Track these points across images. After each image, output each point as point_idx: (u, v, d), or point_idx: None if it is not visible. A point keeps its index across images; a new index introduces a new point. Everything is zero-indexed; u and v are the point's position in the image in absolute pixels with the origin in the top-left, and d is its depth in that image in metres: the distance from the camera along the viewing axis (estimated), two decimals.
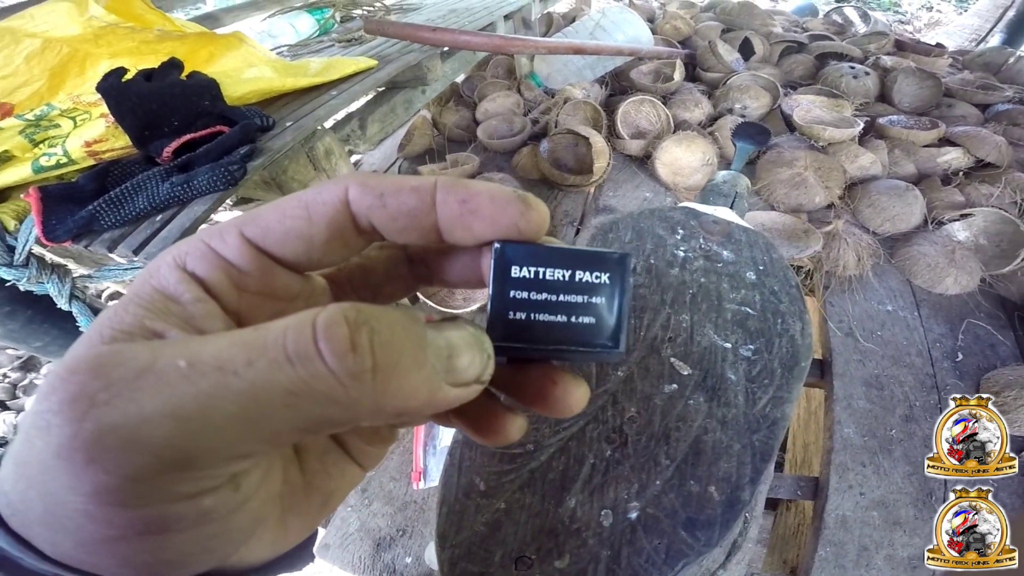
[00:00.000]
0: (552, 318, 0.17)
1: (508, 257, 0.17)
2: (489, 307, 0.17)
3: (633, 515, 0.31)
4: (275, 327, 0.12)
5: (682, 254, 0.44)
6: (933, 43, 2.29)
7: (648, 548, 0.30)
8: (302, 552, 0.19)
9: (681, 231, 0.46)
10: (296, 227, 0.16)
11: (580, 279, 0.17)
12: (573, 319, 0.17)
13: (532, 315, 0.17)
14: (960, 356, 1.09)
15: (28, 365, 1.85)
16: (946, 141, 1.51)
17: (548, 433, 0.34)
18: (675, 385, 0.35)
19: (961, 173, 1.43)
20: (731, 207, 0.60)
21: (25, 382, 1.79)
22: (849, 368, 1.05)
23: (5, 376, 1.80)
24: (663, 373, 0.36)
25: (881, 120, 1.58)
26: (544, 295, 0.17)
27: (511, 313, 0.17)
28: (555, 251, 0.17)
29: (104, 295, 1.91)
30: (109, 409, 0.11)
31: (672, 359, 0.36)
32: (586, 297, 0.17)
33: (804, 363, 0.37)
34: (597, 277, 0.17)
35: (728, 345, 0.37)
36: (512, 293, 0.17)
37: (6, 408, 1.72)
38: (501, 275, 0.17)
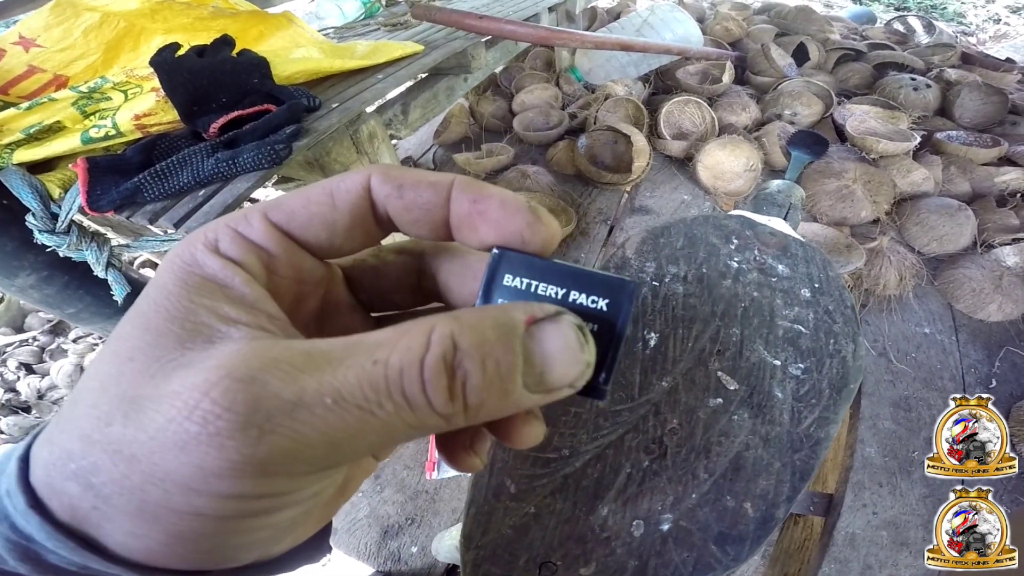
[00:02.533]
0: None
1: (503, 264, 0.16)
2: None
3: (665, 527, 0.30)
4: (393, 365, 0.13)
5: (736, 265, 0.43)
6: (1002, 57, 2.19)
7: (676, 560, 0.29)
8: (320, 543, 0.19)
9: (736, 241, 0.45)
10: (320, 212, 0.16)
11: (574, 300, 0.16)
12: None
13: None
14: (994, 383, 1.06)
15: (57, 329, 1.89)
16: (1007, 160, 1.45)
17: (585, 439, 0.34)
18: (720, 399, 0.35)
19: (1019, 195, 1.37)
20: (785, 218, 0.58)
21: (53, 346, 1.81)
22: (879, 388, 1.03)
23: (35, 339, 1.83)
24: (709, 386, 0.35)
25: (939, 135, 1.52)
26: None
27: None
28: (552, 266, 0.16)
29: (136, 263, 1.96)
30: (277, 437, 0.12)
31: (719, 373, 0.36)
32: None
33: (853, 384, 0.36)
34: (594, 302, 0.16)
35: (778, 363, 0.36)
36: (499, 300, 0.16)
37: (32, 372, 1.75)
38: (492, 281, 0.16)
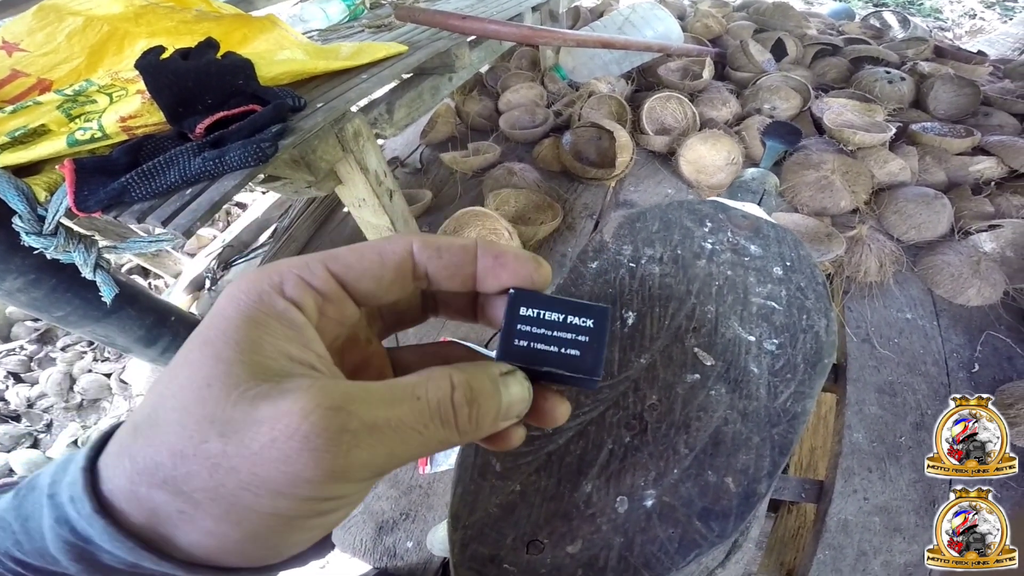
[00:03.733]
0: (547, 347, 0.22)
1: (520, 299, 0.22)
2: (501, 334, 0.22)
3: (649, 503, 0.31)
4: (432, 400, 0.18)
5: (709, 246, 0.44)
6: (975, 51, 2.24)
7: (662, 537, 0.30)
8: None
9: (709, 224, 0.46)
10: (371, 268, 0.20)
11: (571, 321, 0.22)
12: (562, 350, 0.22)
13: (532, 344, 0.22)
14: (976, 367, 1.07)
15: (45, 338, 1.86)
16: (980, 150, 1.48)
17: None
18: (697, 375, 0.36)
19: (993, 183, 1.40)
20: (759, 204, 0.60)
21: (41, 355, 1.80)
22: (863, 374, 1.05)
23: (22, 348, 1.81)
24: (686, 363, 0.36)
25: (914, 126, 1.55)
26: (543, 330, 0.22)
27: (516, 340, 0.22)
28: (555, 299, 0.23)
29: (124, 268, 1.95)
30: (358, 451, 0.16)
31: (696, 349, 0.37)
32: (574, 335, 0.22)
33: (827, 360, 0.37)
34: (584, 321, 0.22)
35: (752, 338, 0.37)
36: (519, 326, 0.22)
37: (21, 381, 1.73)
38: (513, 312, 0.22)
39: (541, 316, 0.22)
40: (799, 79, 1.69)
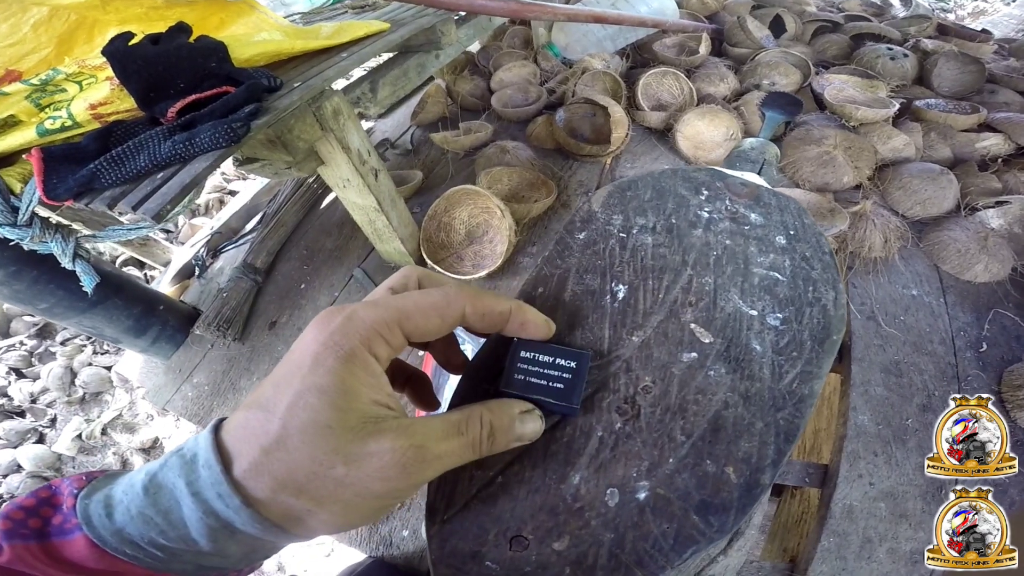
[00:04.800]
0: (539, 381, 0.29)
1: (521, 345, 0.30)
2: (506, 370, 0.29)
3: (642, 495, 0.28)
4: (470, 436, 0.26)
5: (706, 215, 0.40)
6: (979, 29, 2.18)
7: (656, 532, 0.27)
8: None
9: (706, 192, 0.43)
10: (434, 328, 0.27)
11: (558, 362, 0.30)
12: (550, 384, 0.29)
13: (528, 378, 0.29)
14: (984, 346, 1.04)
15: (44, 332, 1.85)
16: (986, 127, 1.44)
17: None
18: (695, 354, 0.32)
19: (1000, 160, 1.35)
20: (759, 173, 0.56)
21: (41, 349, 1.79)
22: (869, 353, 1.01)
23: (22, 343, 1.80)
24: (682, 340, 0.33)
25: (918, 103, 1.50)
26: (536, 368, 0.29)
27: (516, 375, 0.29)
28: (548, 345, 0.30)
29: (118, 261, 1.92)
30: (429, 471, 0.25)
31: (693, 325, 0.33)
32: (560, 373, 0.29)
33: (836, 336, 0.34)
34: (568, 363, 0.29)
35: (754, 313, 0.34)
36: (519, 364, 0.29)
37: (22, 376, 1.72)
38: (515, 354, 0.30)
39: (536, 358, 0.30)
40: (799, 55, 1.64)
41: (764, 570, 0.88)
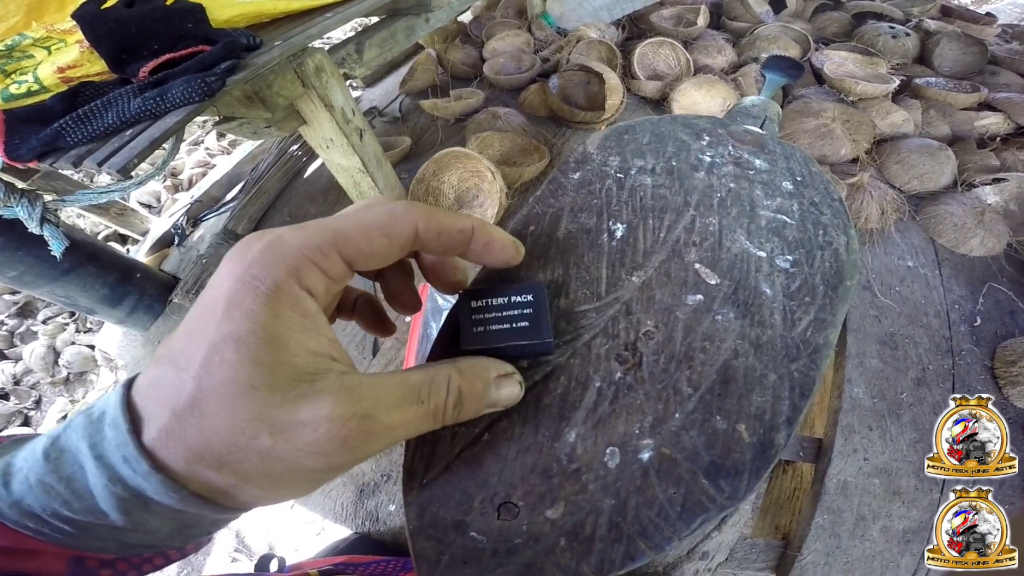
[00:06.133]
0: (500, 326, 0.26)
1: (468, 296, 0.27)
2: (461, 329, 0.26)
3: (645, 455, 0.25)
4: (431, 404, 0.22)
5: (708, 159, 0.37)
6: (983, 12, 2.17)
7: (661, 498, 0.24)
8: None
9: (707, 137, 0.40)
10: (380, 249, 0.22)
11: (514, 300, 0.26)
12: (513, 324, 0.26)
13: (487, 327, 0.26)
14: (978, 320, 1.04)
15: (25, 311, 1.80)
16: (986, 106, 1.43)
17: None
18: (700, 296, 0.29)
19: (999, 139, 1.34)
20: (761, 127, 0.53)
21: (22, 329, 1.74)
22: (864, 324, 1.00)
23: (2, 323, 1.75)
24: (686, 281, 0.30)
25: (918, 80, 1.48)
26: (493, 314, 0.26)
27: (473, 328, 0.26)
28: (495, 287, 0.27)
29: (100, 235, 1.86)
30: (378, 443, 0.20)
31: (697, 265, 0.30)
32: (520, 311, 0.26)
33: (849, 282, 0.31)
34: (525, 298, 0.26)
35: (763, 254, 0.31)
36: (473, 316, 0.26)
37: (4, 357, 1.67)
38: (465, 308, 0.26)
39: (489, 303, 0.26)
40: (799, 30, 1.61)
41: (757, 547, 0.87)
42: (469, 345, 0.25)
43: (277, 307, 0.19)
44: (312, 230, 0.20)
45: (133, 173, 0.70)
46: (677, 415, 0.26)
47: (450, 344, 0.27)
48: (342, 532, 0.97)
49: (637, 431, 0.26)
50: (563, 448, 0.25)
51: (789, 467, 1.04)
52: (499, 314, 0.26)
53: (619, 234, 0.32)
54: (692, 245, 0.31)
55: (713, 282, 0.30)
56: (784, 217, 0.34)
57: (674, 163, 0.37)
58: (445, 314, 1.02)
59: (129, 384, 0.20)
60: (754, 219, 0.33)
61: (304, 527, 1.27)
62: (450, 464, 0.25)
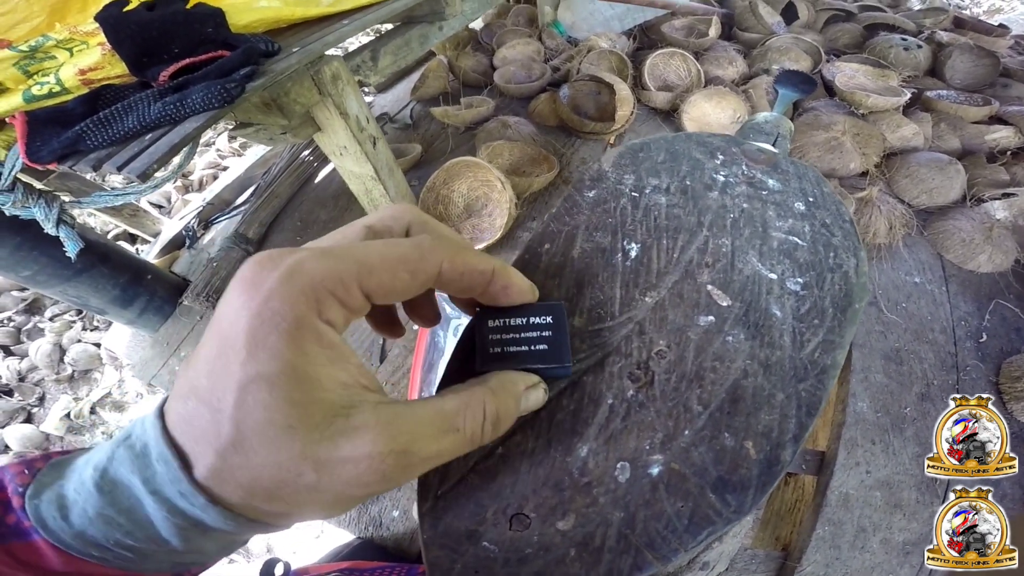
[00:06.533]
0: (518, 348, 0.25)
1: (485, 315, 0.26)
2: (477, 348, 0.25)
3: (655, 470, 0.26)
4: (467, 431, 0.22)
5: (722, 178, 0.38)
6: (995, 24, 2.16)
7: (669, 511, 0.25)
8: None
9: (721, 156, 0.41)
10: (403, 286, 0.21)
11: (533, 322, 0.26)
12: (532, 347, 0.25)
13: (504, 348, 0.25)
14: (984, 337, 1.04)
15: (32, 308, 1.81)
16: (997, 120, 1.42)
17: None
18: (712, 317, 0.30)
19: (1009, 153, 1.34)
20: (773, 145, 0.54)
21: (29, 326, 1.74)
22: (870, 339, 1.00)
23: (10, 320, 1.75)
24: (699, 302, 0.31)
25: (929, 93, 1.48)
26: (511, 335, 0.25)
27: (491, 349, 0.25)
28: (514, 307, 0.26)
29: (110, 234, 1.88)
30: (415, 473, 0.21)
31: (709, 287, 0.31)
32: (539, 332, 0.26)
33: (858, 304, 0.32)
34: (544, 319, 0.26)
35: (774, 276, 0.32)
36: (490, 337, 0.25)
37: (10, 353, 1.69)
38: (482, 327, 0.26)
39: (507, 323, 0.26)
40: (810, 42, 1.61)
41: (757, 557, 0.87)
42: (484, 366, 0.25)
43: (302, 343, 0.18)
44: (335, 260, 0.20)
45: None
46: (687, 432, 0.27)
47: (465, 361, 0.27)
48: (340, 535, 0.97)
49: (647, 447, 0.26)
50: (575, 462, 0.26)
51: (791, 479, 1.04)
52: (517, 335, 0.25)
53: (633, 254, 0.33)
54: (705, 266, 0.32)
55: (725, 304, 0.31)
56: (796, 239, 0.34)
57: (688, 182, 0.38)
58: (452, 324, 1.03)
59: (161, 412, 0.20)
60: (766, 240, 0.34)
61: (302, 530, 1.28)
62: (464, 477, 0.26)
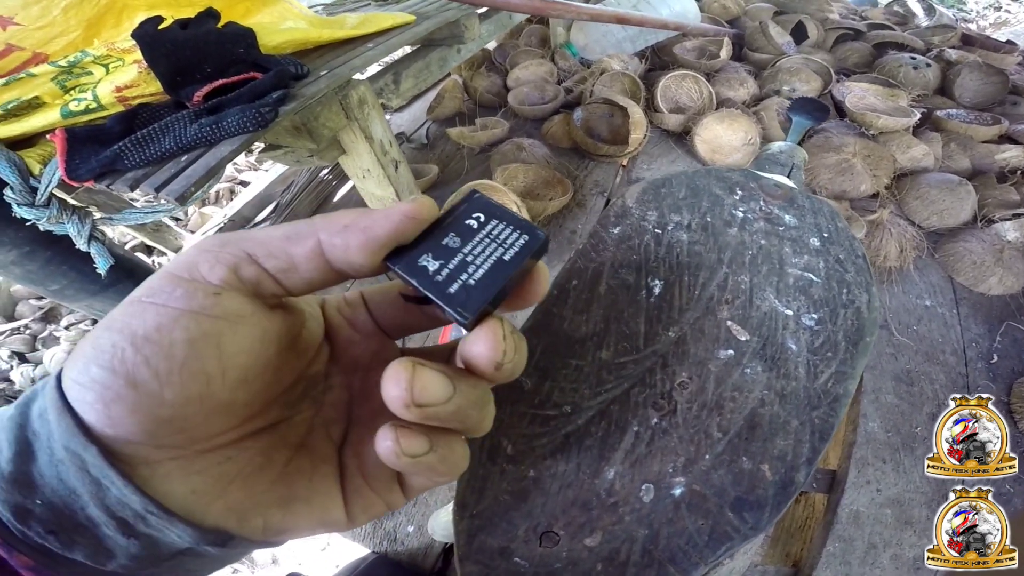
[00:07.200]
0: (479, 267, 0.19)
1: (404, 256, 0.20)
2: (441, 305, 0.19)
3: (677, 491, 0.28)
4: None
5: (741, 214, 0.40)
6: (1003, 40, 2.18)
7: (691, 529, 0.27)
8: None
9: (740, 192, 0.43)
10: (295, 255, 0.20)
11: (467, 224, 0.21)
12: (504, 256, 0.20)
13: (469, 278, 0.19)
14: (995, 358, 1.04)
15: (49, 316, 1.84)
16: (1007, 138, 1.44)
17: (588, 394, 0.31)
18: (731, 351, 0.32)
19: (1020, 172, 1.35)
20: (788, 176, 0.56)
21: (45, 334, 1.77)
22: (881, 361, 1.01)
23: (26, 327, 1.78)
24: (719, 337, 0.33)
25: (939, 113, 1.50)
26: (455, 258, 0.20)
27: (450, 287, 0.19)
28: (421, 235, 0.20)
29: (128, 246, 1.92)
30: None
31: (729, 322, 0.33)
32: (486, 232, 0.20)
33: (869, 338, 0.34)
34: (476, 217, 0.21)
35: (790, 312, 0.34)
36: (435, 276, 0.19)
37: (25, 360, 1.70)
38: (413, 269, 0.20)
39: (440, 246, 0.20)
40: (820, 62, 1.63)
41: (768, 574, 0.88)
42: (473, 312, 0.19)
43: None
44: (224, 238, 0.20)
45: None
46: (707, 456, 0.29)
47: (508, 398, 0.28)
48: (348, 547, 0.98)
49: (671, 470, 0.28)
50: (602, 484, 0.28)
51: (802, 497, 1.04)
52: (464, 255, 0.20)
53: (657, 291, 0.35)
54: (725, 303, 0.34)
55: (743, 339, 0.33)
56: (811, 275, 0.36)
57: (709, 219, 0.40)
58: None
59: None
60: (783, 278, 0.36)
61: (308, 541, 1.29)
62: (498, 497, 0.28)
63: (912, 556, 0.83)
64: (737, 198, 0.42)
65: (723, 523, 0.27)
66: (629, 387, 0.31)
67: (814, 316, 0.34)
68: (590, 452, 0.29)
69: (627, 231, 0.39)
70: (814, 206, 0.43)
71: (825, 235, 0.40)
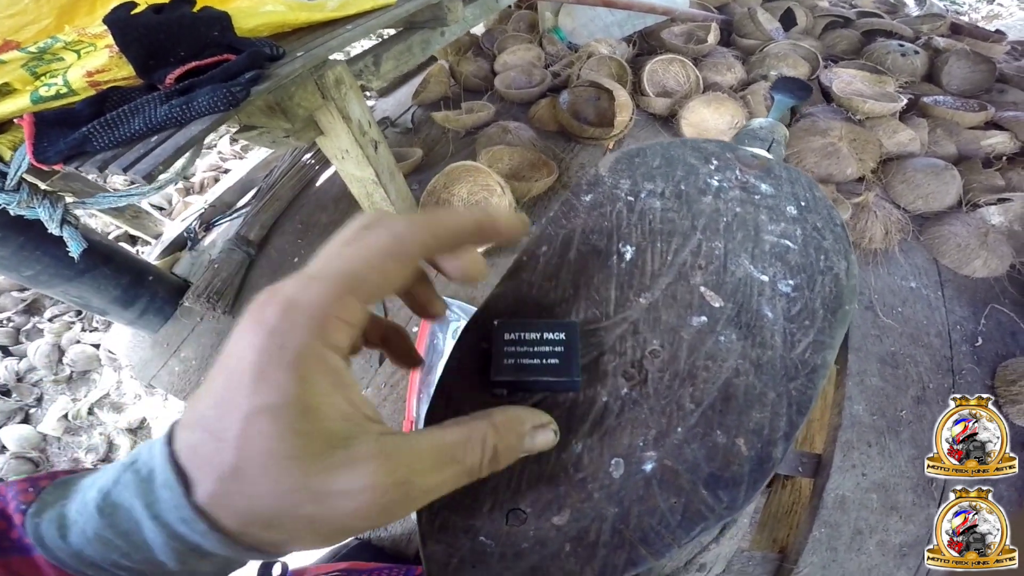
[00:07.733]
0: (531, 361, 0.27)
1: (503, 328, 0.28)
2: (492, 359, 0.27)
3: (648, 467, 0.26)
4: (468, 464, 0.22)
5: (716, 183, 0.39)
6: (992, 30, 2.18)
7: (663, 507, 0.25)
8: None
9: (715, 161, 0.41)
10: (396, 278, 0.22)
11: (547, 337, 0.28)
12: (544, 361, 0.27)
13: (518, 360, 0.27)
14: (980, 341, 1.05)
15: (32, 309, 1.81)
16: (993, 125, 1.44)
17: None
18: (704, 318, 0.31)
19: (1005, 158, 1.35)
20: (768, 151, 0.55)
21: (28, 326, 1.74)
22: (866, 343, 1.01)
23: (9, 320, 1.75)
24: (692, 303, 0.32)
25: (926, 99, 1.50)
26: (525, 348, 0.27)
27: (505, 360, 0.27)
28: (531, 321, 0.28)
29: (111, 235, 1.89)
30: (415, 506, 0.22)
31: (702, 288, 0.32)
32: (551, 348, 0.27)
33: (848, 306, 0.33)
34: (557, 335, 0.28)
35: (765, 278, 0.33)
36: (505, 349, 0.27)
37: (9, 354, 1.68)
38: (499, 339, 0.28)
39: (522, 337, 0.28)
40: (808, 48, 1.63)
41: (754, 560, 0.88)
42: (499, 376, 0.27)
43: (305, 374, 0.19)
44: (323, 283, 0.20)
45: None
46: (679, 429, 0.27)
47: (476, 373, 0.29)
48: None
49: (641, 443, 0.27)
50: (569, 458, 0.27)
51: (788, 482, 1.04)
52: (530, 348, 0.27)
53: (628, 256, 0.34)
54: (698, 268, 0.33)
55: (717, 305, 0.32)
56: (787, 242, 0.35)
57: (683, 187, 0.39)
58: (452, 326, 1.04)
59: (170, 439, 0.20)
60: (758, 244, 0.35)
61: None
62: None
63: (898, 542, 0.83)
64: (712, 167, 0.41)
65: (696, 501, 0.25)
66: (598, 355, 0.30)
67: (791, 282, 0.33)
68: (557, 423, 0.28)
69: (599, 198, 0.37)
70: (791, 176, 0.41)
71: (802, 203, 0.39)
